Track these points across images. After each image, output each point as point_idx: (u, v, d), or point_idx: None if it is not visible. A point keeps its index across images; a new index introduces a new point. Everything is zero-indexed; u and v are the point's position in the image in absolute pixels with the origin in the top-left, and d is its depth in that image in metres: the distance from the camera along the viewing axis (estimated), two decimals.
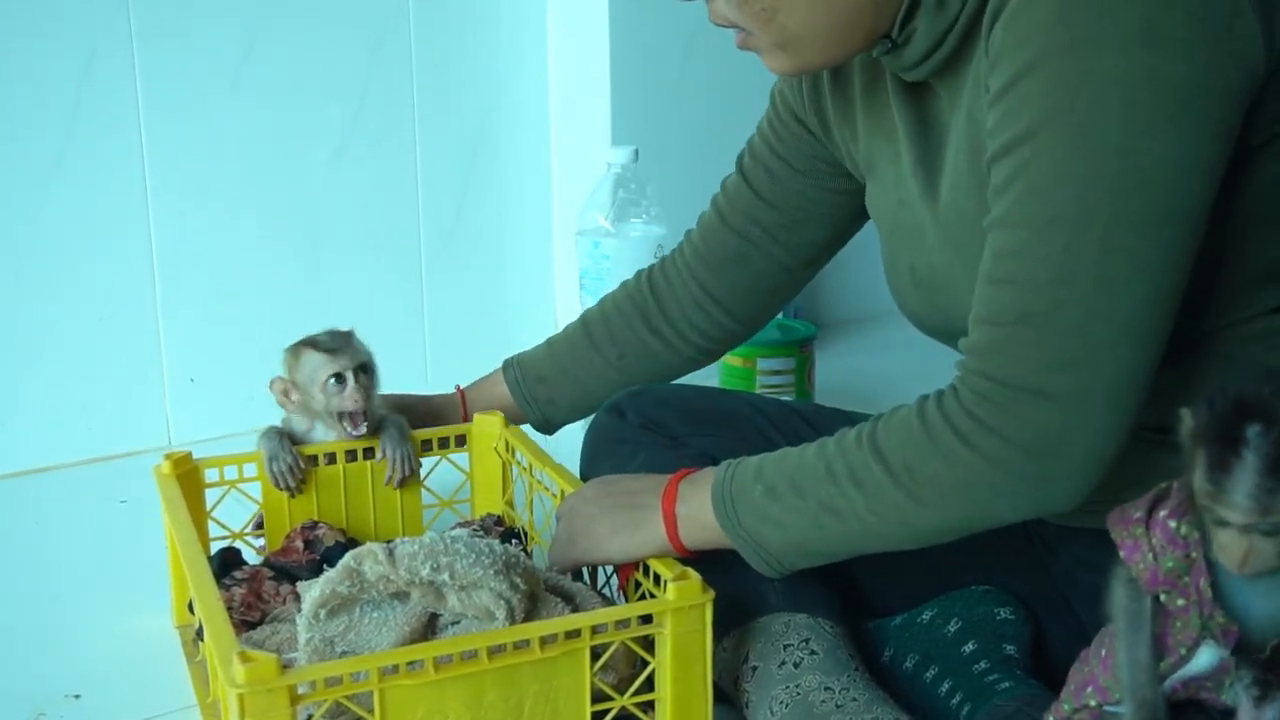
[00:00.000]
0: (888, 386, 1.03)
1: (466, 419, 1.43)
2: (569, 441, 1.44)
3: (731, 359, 1.90)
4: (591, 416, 1.33)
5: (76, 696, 1.20)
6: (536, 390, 1.42)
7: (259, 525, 1.35)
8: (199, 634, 1.13)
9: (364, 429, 1.32)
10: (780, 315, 2.21)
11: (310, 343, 1.31)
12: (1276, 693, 0.79)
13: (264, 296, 1.92)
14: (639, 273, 1.41)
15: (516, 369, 1.43)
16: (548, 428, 1.44)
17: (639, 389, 1.34)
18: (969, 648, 1.10)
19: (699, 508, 1.05)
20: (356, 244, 1.99)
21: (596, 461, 1.28)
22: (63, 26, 1.71)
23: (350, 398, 1.29)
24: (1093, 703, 0.85)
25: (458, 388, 1.47)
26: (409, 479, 1.37)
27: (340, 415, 1.31)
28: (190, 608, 1.21)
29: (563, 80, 2.10)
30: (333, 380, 1.29)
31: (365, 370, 1.31)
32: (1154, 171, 0.85)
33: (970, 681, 1.07)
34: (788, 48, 1.00)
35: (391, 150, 1.99)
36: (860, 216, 1.26)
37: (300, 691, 0.88)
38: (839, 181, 1.24)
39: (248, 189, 1.88)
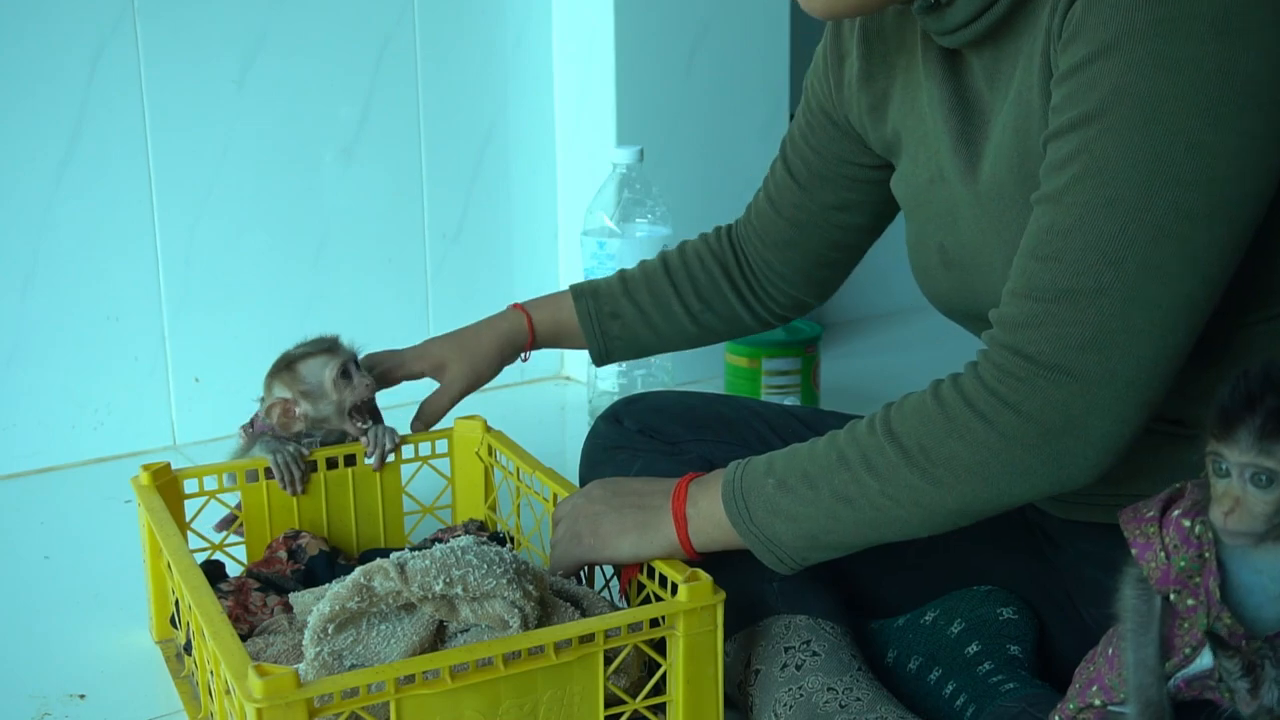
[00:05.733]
0: (893, 386, 1.02)
1: (532, 345, 1.40)
2: (548, 444, 1.43)
3: (736, 359, 1.90)
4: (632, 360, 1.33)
5: (82, 696, 1.20)
6: (609, 326, 1.38)
7: (230, 522, 1.34)
8: (186, 649, 1.13)
9: (369, 421, 1.34)
10: None
11: (298, 355, 1.31)
12: (1265, 675, 0.79)
13: (269, 297, 1.92)
14: (717, 229, 1.39)
15: (590, 300, 1.38)
16: (604, 360, 1.40)
17: (637, 396, 1.35)
18: (973, 649, 1.10)
19: (709, 508, 1.04)
20: (362, 245, 1.99)
21: (594, 468, 1.28)
22: (69, 28, 1.71)
23: (362, 384, 1.31)
24: (1097, 702, 0.85)
25: (518, 306, 1.41)
26: (390, 453, 1.37)
27: (352, 412, 1.32)
28: (172, 622, 1.21)
29: (568, 81, 2.10)
30: (340, 375, 1.30)
31: (357, 364, 1.33)
32: (1218, 166, 0.84)
33: (974, 683, 1.06)
34: None
35: (397, 151, 1.99)
36: (898, 205, 1.25)
37: (318, 704, 0.88)
38: (872, 173, 1.22)
39: (253, 190, 1.88)
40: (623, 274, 1.40)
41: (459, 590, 0.97)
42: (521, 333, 1.39)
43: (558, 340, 1.40)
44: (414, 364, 1.38)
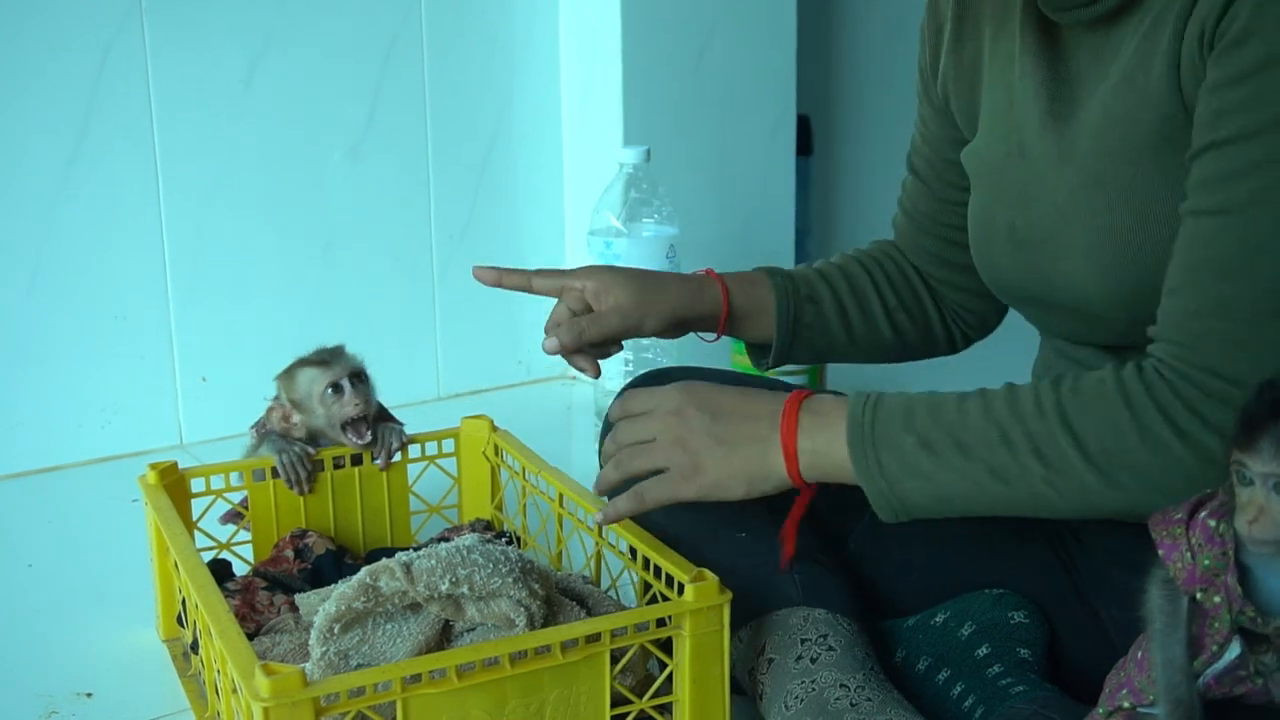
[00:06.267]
0: (901, 386, 1.01)
1: (726, 319, 1.21)
2: (554, 444, 1.43)
3: (745, 359, 1.90)
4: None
5: (88, 694, 1.20)
6: (804, 311, 1.23)
7: (235, 517, 1.34)
8: (192, 647, 1.13)
9: (368, 437, 1.32)
10: None
11: (301, 361, 1.32)
12: None
13: (276, 296, 1.92)
14: (887, 240, 1.30)
15: (785, 280, 1.23)
16: (780, 359, 1.25)
17: (661, 370, 1.27)
18: (982, 651, 1.09)
19: (827, 445, 0.97)
20: (369, 244, 1.99)
21: None
22: (77, 27, 1.71)
23: (350, 403, 1.30)
24: (1126, 704, 0.85)
25: (710, 272, 1.22)
26: (396, 452, 1.36)
27: (344, 426, 1.31)
28: (179, 621, 1.21)
29: (575, 81, 2.10)
30: (330, 390, 1.30)
31: (360, 378, 1.32)
32: None
33: (983, 685, 1.06)
34: None
35: (404, 151, 1.99)
36: None
37: (324, 703, 0.88)
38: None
39: (260, 189, 1.89)
40: (811, 265, 1.27)
41: (465, 590, 0.97)
42: (713, 298, 1.20)
43: (744, 318, 1.22)
44: (575, 280, 1.18)
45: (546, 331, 1.16)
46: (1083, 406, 0.92)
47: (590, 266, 1.20)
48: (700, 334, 1.23)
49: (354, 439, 1.32)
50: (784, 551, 1.04)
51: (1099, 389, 0.92)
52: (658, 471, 1.03)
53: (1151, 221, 0.95)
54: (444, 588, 0.96)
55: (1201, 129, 0.89)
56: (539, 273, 1.19)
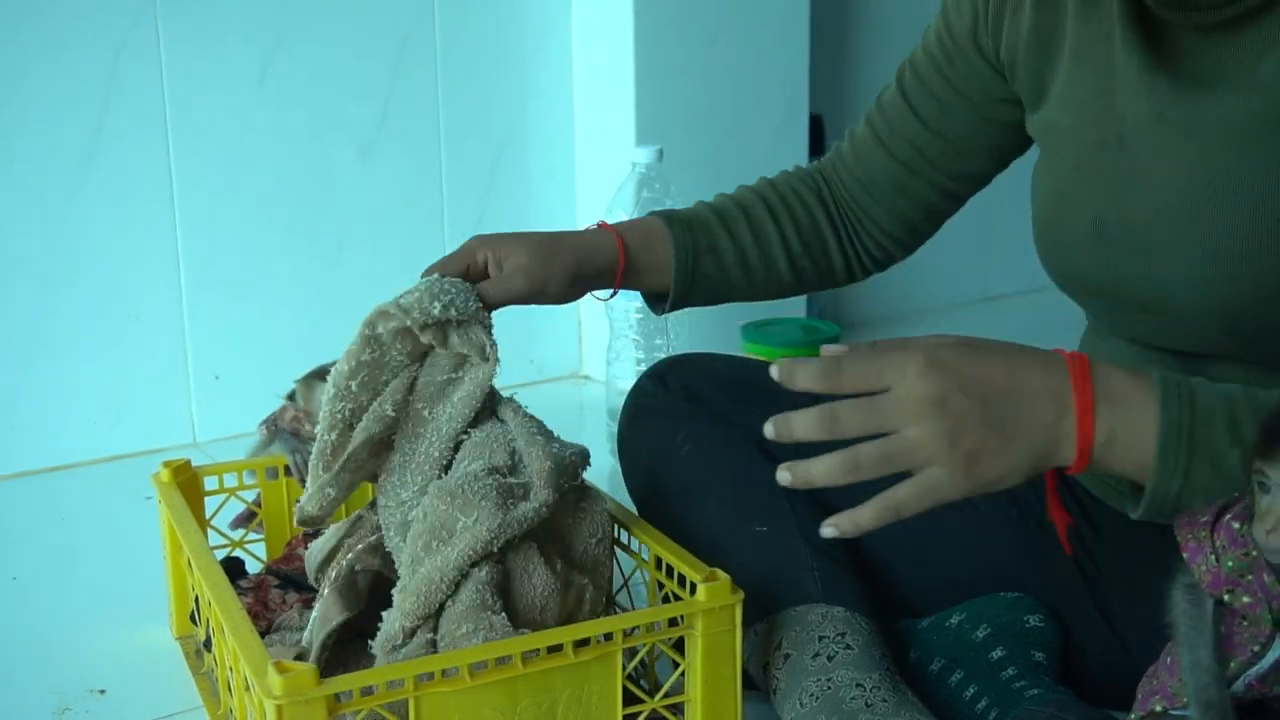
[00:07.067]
0: None
1: (624, 273, 1.18)
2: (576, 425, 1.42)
3: (757, 350, 1.90)
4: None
5: (102, 691, 1.20)
6: (703, 262, 1.20)
7: (248, 519, 1.34)
8: (206, 644, 1.13)
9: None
10: (804, 315, 2.21)
11: (323, 374, 1.30)
12: None
13: (289, 294, 1.93)
14: (799, 167, 1.28)
15: (683, 230, 1.19)
16: (676, 305, 1.22)
17: (681, 356, 1.27)
18: (997, 654, 1.09)
19: (1129, 440, 0.83)
20: (382, 242, 1.99)
21: (635, 429, 1.24)
22: (90, 25, 1.72)
23: None
24: (1158, 709, 0.85)
25: (604, 224, 1.20)
26: None
27: None
28: (192, 618, 1.21)
29: (587, 80, 2.10)
30: None
31: None
32: None
33: (997, 687, 1.06)
34: None
35: (417, 149, 1.99)
36: (1021, 148, 1.18)
37: (338, 701, 0.88)
38: (1008, 112, 1.15)
39: (273, 187, 1.89)
40: (712, 206, 1.23)
41: (453, 313, 1.05)
42: (609, 251, 1.16)
43: (640, 272, 1.19)
44: (475, 254, 1.14)
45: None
46: None
47: (481, 236, 1.16)
48: (595, 294, 1.20)
49: None
50: (1060, 528, 0.94)
51: None
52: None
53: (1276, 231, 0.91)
54: (435, 311, 1.04)
55: None
56: (442, 262, 1.15)
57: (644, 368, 1.87)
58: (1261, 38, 0.92)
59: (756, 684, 1.10)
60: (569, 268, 1.14)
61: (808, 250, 1.24)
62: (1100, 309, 1.09)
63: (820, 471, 0.84)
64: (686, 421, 1.20)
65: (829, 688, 1.02)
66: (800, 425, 0.85)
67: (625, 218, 1.82)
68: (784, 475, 0.86)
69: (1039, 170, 1.10)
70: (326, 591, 1.06)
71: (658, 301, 1.24)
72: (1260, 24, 0.92)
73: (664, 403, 1.22)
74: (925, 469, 0.84)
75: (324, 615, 1.04)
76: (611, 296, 1.21)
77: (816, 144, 2.25)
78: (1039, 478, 0.87)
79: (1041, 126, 1.10)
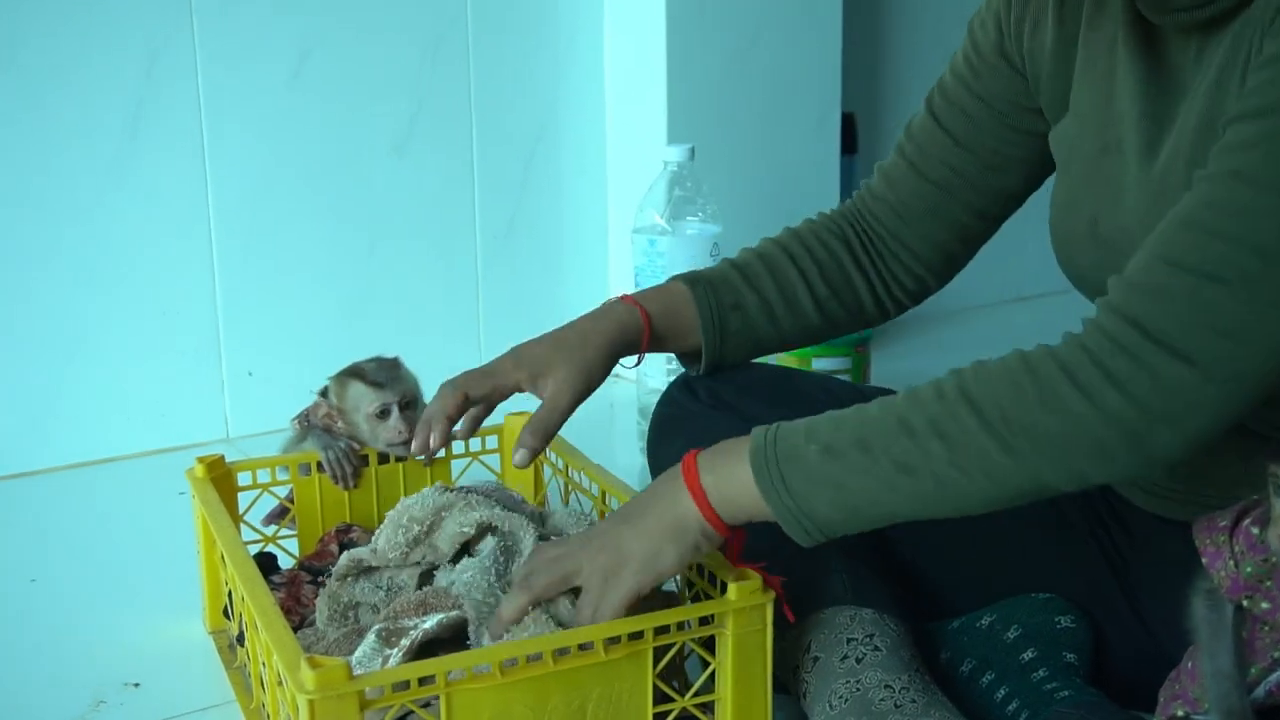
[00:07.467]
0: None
1: (648, 343, 1.20)
2: (597, 441, 1.41)
3: (787, 358, 1.89)
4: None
5: (136, 685, 1.21)
6: (729, 319, 1.21)
7: (280, 515, 1.35)
8: (239, 639, 1.14)
9: (408, 456, 1.32)
10: None
11: (357, 373, 1.31)
12: None
13: (322, 291, 1.94)
14: (822, 213, 1.28)
15: (707, 290, 1.21)
16: (714, 365, 1.23)
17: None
18: (1028, 655, 1.09)
19: (729, 476, 0.95)
20: (414, 241, 2.00)
21: (665, 436, 1.24)
22: (126, 24, 1.73)
23: (394, 429, 1.29)
24: (1180, 714, 0.84)
25: (626, 298, 1.21)
26: (439, 448, 1.33)
27: (388, 446, 1.32)
28: (225, 613, 1.22)
29: (619, 78, 2.10)
30: (377, 414, 1.29)
31: (410, 405, 1.31)
32: None
33: (1028, 689, 1.06)
34: None
35: (449, 148, 2.00)
36: (1053, 164, 1.17)
37: (369, 696, 0.88)
38: (1036, 122, 1.16)
39: (307, 185, 1.90)
40: (735, 263, 1.25)
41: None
42: (634, 328, 1.19)
43: (668, 338, 1.22)
44: (507, 377, 1.15)
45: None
46: (981, 379, 0.89)
47: (505, 358, 1.16)
48: (622, 361, 1.20)
49: (397, 456, 1.33)
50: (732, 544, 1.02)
51: (999, 362, 0.89)
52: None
53: None
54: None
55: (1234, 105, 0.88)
56: (467, 381, 1.14)
57: (674, 365, 1.88)
58: (1224, 40, 0.93)
59: (786, 688, 1.10)
60: (605, 362, 1.17)
61: (835, 294, 1.25)
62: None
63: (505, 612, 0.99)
64: (715, 428, 1.20)
65: (858, 689, 1.02)
66: (513, 611, 0.99)
67: (658, 216, 1.84)
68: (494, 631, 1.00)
69: (1056, 177, 1.13)
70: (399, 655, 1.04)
71: (692, 361, 1.26)
72: (1229, 26, 0.93)
73: (692, 411, 1.23)
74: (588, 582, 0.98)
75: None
76: (637, 364, 1.24)
77: (848, 143, 2.25)
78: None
79: (1058, 139, 1.11)
